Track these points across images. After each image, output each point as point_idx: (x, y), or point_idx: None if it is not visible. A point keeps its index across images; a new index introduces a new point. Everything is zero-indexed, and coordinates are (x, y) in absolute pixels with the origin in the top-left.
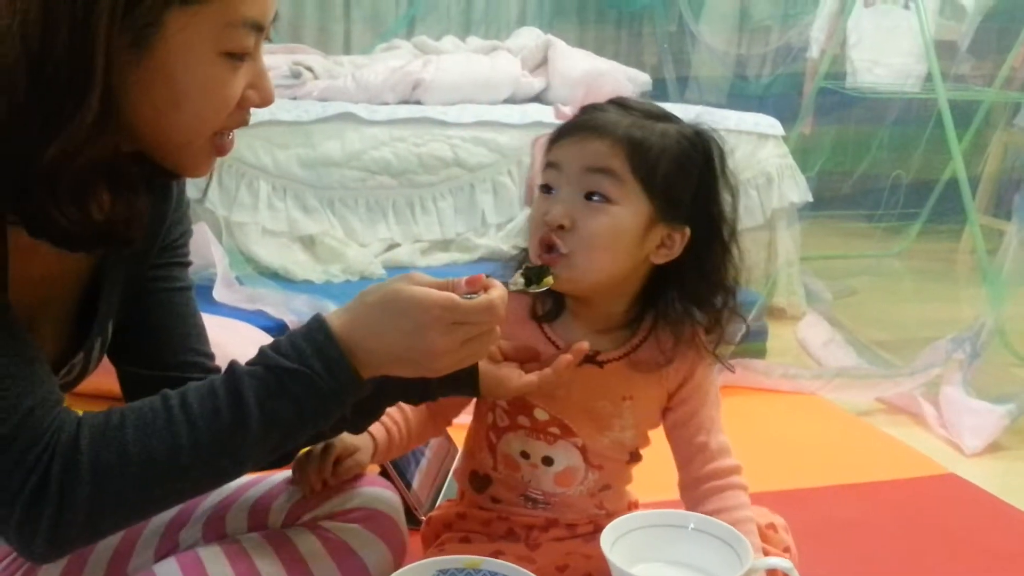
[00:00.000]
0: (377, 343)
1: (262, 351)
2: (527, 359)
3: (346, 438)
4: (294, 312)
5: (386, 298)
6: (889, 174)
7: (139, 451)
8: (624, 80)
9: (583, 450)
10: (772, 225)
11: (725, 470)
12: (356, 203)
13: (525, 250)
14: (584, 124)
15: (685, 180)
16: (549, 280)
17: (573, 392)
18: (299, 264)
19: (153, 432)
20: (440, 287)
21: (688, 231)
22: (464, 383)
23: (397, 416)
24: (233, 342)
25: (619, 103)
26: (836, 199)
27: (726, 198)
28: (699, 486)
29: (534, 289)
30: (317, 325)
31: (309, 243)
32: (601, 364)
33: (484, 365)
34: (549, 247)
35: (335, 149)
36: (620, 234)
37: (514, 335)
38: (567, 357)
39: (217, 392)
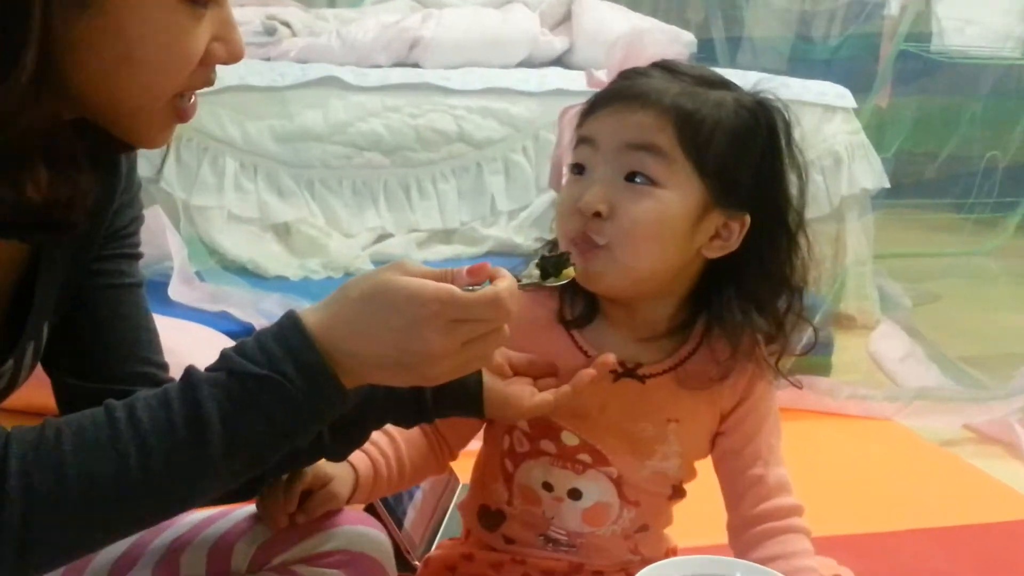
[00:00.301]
0: (362, 345)
1: (225, 354)
2: (542, 374)
3: (319, 466)
4: (265, 314)
5: (373, 291)
6: (982, 155)
7: (79, 473)
8: (668, 41)
9: (618, 482)
10: (840, 216)
11: (784, 510)
12: (340, 185)
13: (552, 243)
14: (624, 92)
15: (745, 158)
16: (570, 272)
17: (609, 412)
18: (272, 257)
19: (96, 450)
20: (437, 278)
21: (748, 219)
22: (466, 401)
23: (386, 445)
24: (192, 349)
25: (665, 67)
26: (917, 185)
27: (792, 180)
28: (752, 528)
29: (552, 283)
30: (290, 323)
31: (284, 232)
32: (643, 379)
33: (490, 381)
34: (582, 239)
35: (316, 120)
36: (668, 222)
37: (538, 343)
38: (589, 372)
39: (171, 403)
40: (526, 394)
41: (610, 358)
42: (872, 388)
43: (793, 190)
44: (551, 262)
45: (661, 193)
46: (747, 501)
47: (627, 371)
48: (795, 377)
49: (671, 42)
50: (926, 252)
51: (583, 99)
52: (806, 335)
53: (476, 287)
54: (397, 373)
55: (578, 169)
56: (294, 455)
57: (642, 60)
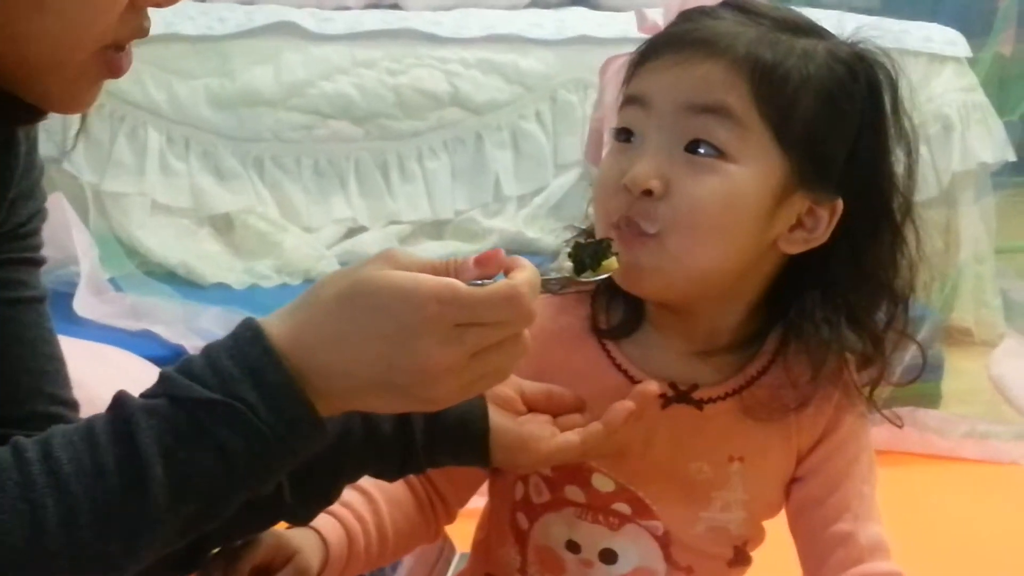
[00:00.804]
0: (341, 360)
1: (165, 376)
2: (565, 410)
3: (279, 534)
4: (201, 334)
5: (353, 291)
6: None
7: None
8: None
9: (664, 541)
10: (951, 199)
11: None
12: (298, 164)
13: (587, 232)
14: (685, 37)
15: (839, 126)
16: (612, 263)
17: (656, 447)
18: (209, 259)
19: (2, 502)
20: (436, 271)
21: (840, 205)
22: (468, 446)
23: (362, 506)
24: (106, 380)
25: (739, 6)
26: None
27: (899, 156)
28: None
29: (587, 277)
30: (249, 335)
31: (225, 227)
32: (700, 404)
33: (500, 419)
34: (627, 224)
35: (265, 79)
36: (738, 206)
37: (564, 360)
38: (626, 405)
39: (98, 440)
40: (545, 435)
41: (652, 387)
42: (995, 423)
43: (899, 168)
44: (587, 251)
45: (731, 168)
46: (831, 565)
47: (680, 395)
48: (894, 410)
49: None
50: None
51: (621, 47)
52: (910, 357)
53: (486, 281)
54: (387, 396)
55: (624, 135)
56: (246, 516)
57: (705, 1)
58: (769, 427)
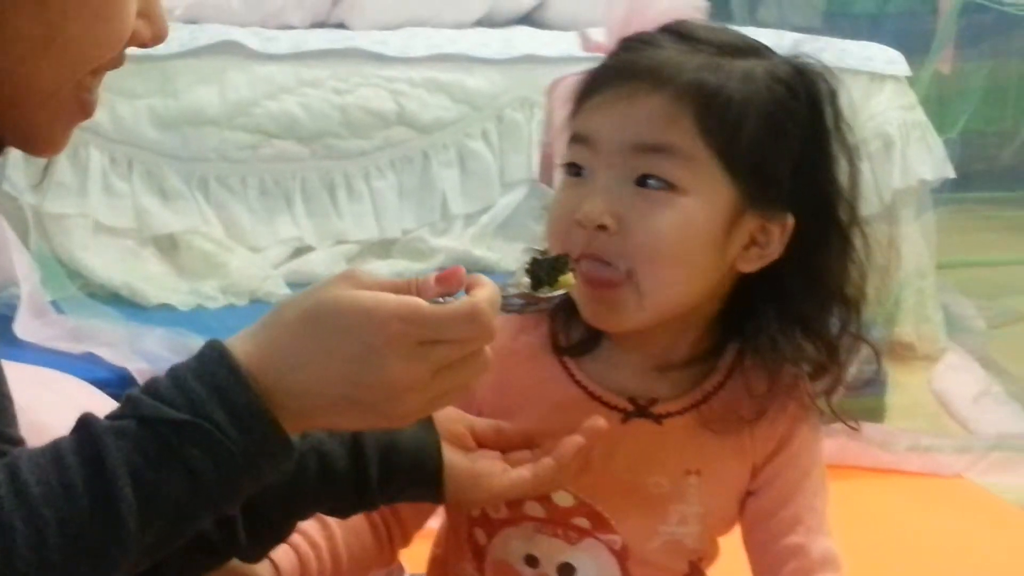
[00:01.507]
0: (306, 380)
1: (132, 398)
2: (515, 446)
3: (232, 568)
4: (144, 355)
5: (316, 311)
6: None
7: None
8: None
9: (622, 555)
10: (892, 215)
11: None
12: (243, 184)
13: (543, 252)
14: (627, 68)
15: (783, 146)
16: (568, 279)
17: (615, 461)
18: (153, 280)
19: None
20: (397, 290)
21: (791, 220)
22: (422, 483)
23: (316, 534)
24: (48, 405)
25: (677, 31)
26: (990, 174)
27: (842, 166)
28: None
29: (546, 293)
30: (214, 356)
31: (169, 247)
32: (659, 419)
33: (453, 456)
34: (590, 260)
35: (210, 99)
36: (694, 236)
37: (523, 379)
38: (576, 440)
39: (66, 461)
40: (497, 471)
41: (600, 422)
42: (937, 436)
43: (843, 177)
44: (544, 267)
45: (682, 200)
46: None
47: (639, 409)
48: (847, 422)
49: None
50: (1003, 259)
51: (567, 66)
52: (864, 363)
53: (448, 299)
54: (352, 414)
55: (573, 169)
56: (199, 556)
57: (648, 21)
58: (725, 441)
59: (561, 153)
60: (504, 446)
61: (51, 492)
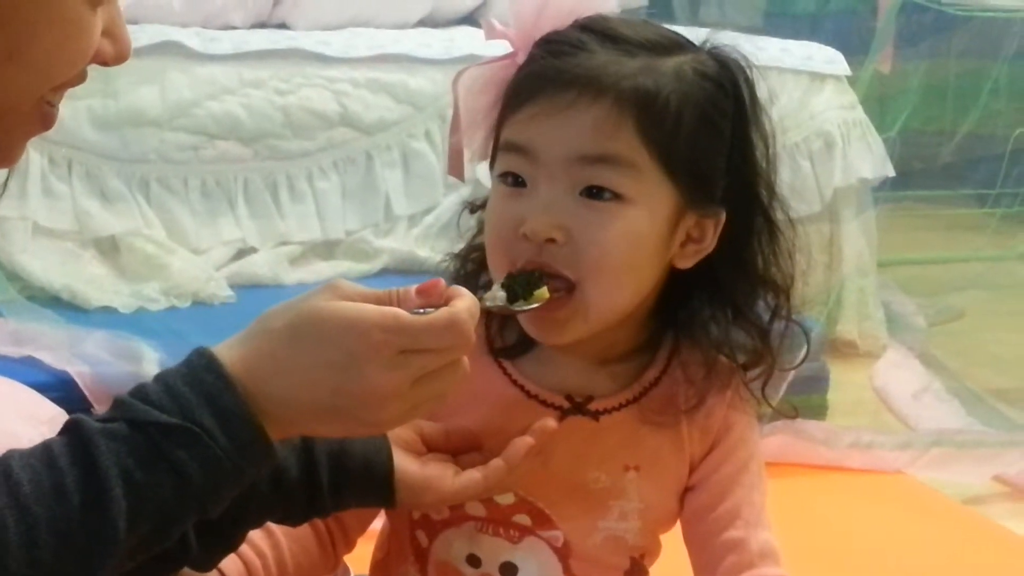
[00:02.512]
0: (292, 388)
1: (122, 401)
2: (463, 448)
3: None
4: (85, 358)
5: (300, 321)
6: (1009, 134)
7: None
8: None
9: (564, 552)
10: (834, 213)
11: None
12: (185, 185)
13: (469, 256)
14: (561, 75)
15: (717, 143)
16: (544, 293)
17: (553, 458)
18: (94, 283)
19: None
20: (379, 301)
21: (724, 214)
22: (373, 488)
23: (261, 541)
24: None
25: (602, 31)
26: (929, 173)
27: (760, 148)
28: None
29: (521, 307)
30: (203, 362)
31: (110, 249)
32: (596, 415)
33: (403, 461)
34: (541, 273)
35: (150, 99)
36: (641, 243)
37: (472, 391)
38: (526, 441)
39: (58, 461)
40: (448, 475)
41: (550, 423)
42: (879, 433)
43: (762, 160)
44: (519, 281)
45: (629, 210)
46: (722, 572)
47: (576, 406)
48: (776, 424)
49: None
50: (943, 257)
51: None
52: (798, 348)
53: (428, 310)
54: (335, 421)
55: (511, 178)
56: (152, 565)
57: (562, 17)
58: (663, 436)
59: (474, 146)
60: (453, 448)
61: (43, 492)
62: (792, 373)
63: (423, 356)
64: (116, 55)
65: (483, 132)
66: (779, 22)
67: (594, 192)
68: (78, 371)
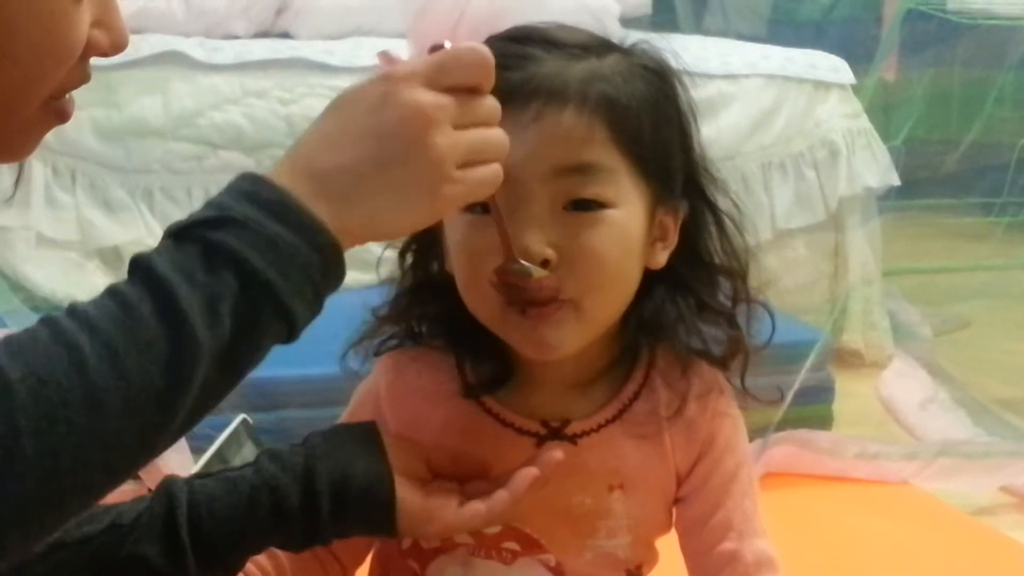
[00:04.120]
0: (333, 156)
1: (164, 231)
2: (471, 475)
3: None
4: None
5: (335, 101)
6: (1014, 143)
7: (26, 380)
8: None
9: (558, 571)
10: (839, 223)
11: None
12: (188, 195)
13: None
14: (520, 88)
15: (671, 134)
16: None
17: (536, 489)
18: (97, 293)
19: (36, 355)
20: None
21: (684, 205)
22: (374, 515)
23: (267, 563)
24: None
25: (537, 37)
26: (935, 182)
27: (696, 134)
28: None
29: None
30: (240, 176)
31: (113, 259)
32: (574, 439)
33: (404, 490)
34: (538, 298)
35: (154, 109)
36: (629, 248)
37: (435, 413)
38: (531, 472)
39: (116, 288)
40: (451, 505)
41: (557, 453)
42: (885, 443)
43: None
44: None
45: (614, 214)
46: None
47: (552, 432)
48: (781, 435)
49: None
50: (948, 267)
51: None
52: (812, 370)
53: None
54: (386, 184)
55: (480, 207)
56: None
57: (479, 35)
58: (646, 450)
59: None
60: (460, 474)
61: (108, 311)
62: (797, 381)
63: (453, 79)
64: (112, 45)
65: None
66: (783, 30)
67: (580, 204)
68: None
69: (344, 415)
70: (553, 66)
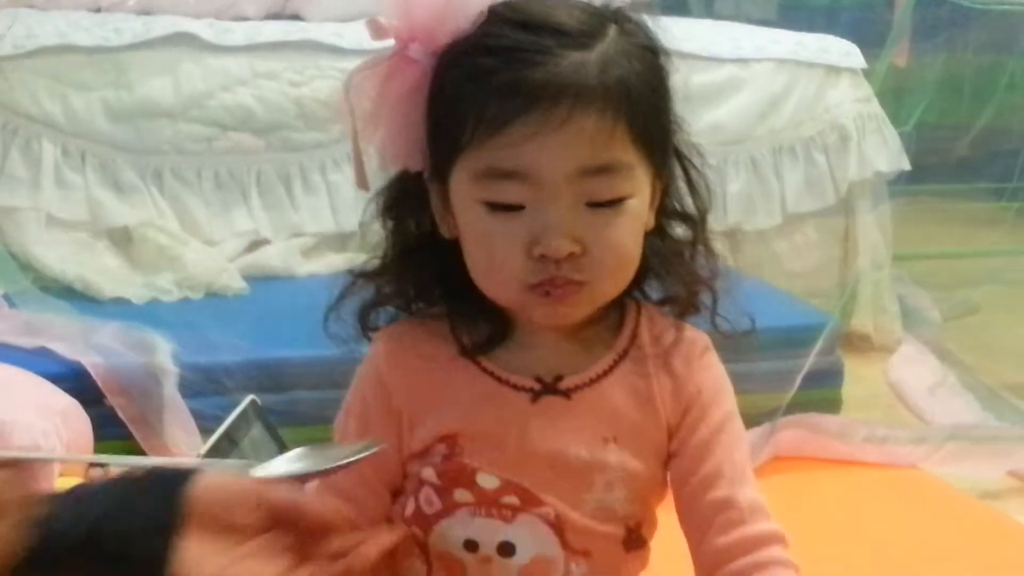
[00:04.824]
0: None
1: None
2: (315, 526)
3: None
4: (99, 349)
5: None
6: None
7: None
8: None
9: (558, 526)
10: (849, 207)
11: (760, 538)
12: (199, 176)
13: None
14: (542, 88)
15: (665, 107)
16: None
17: (530, 439)
18: (107, 274)
19: None
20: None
21: (665, 169)
22: None
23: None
24: (3, 402)
25: (539, 23)
26: (945, 166)
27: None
28: (722, 566)
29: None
30: None
31: (123, 240)
32: (567, 394)
33: (202, 549)
34: (552, 283)
35: (164, 91)
36: (640, 227)
37: (437, 381)
38: (369, 553)
39: None
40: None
41: (371, 552)
42: (893, 427)
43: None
44: None
45: (631, 204)
46: (715, 530)
47: (546, 387)
48: (791, 418)
49: None
50: (958, 252)
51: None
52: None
53: None
54: None
55: (503, 207)
56: None
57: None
58: (637, 403)
59: (387, 152)
60: (304, 524)
61: None
62: (806, 365)
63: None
64: None
65: (396, 135)
66: (794, 15)
67: (603, 202)
68: (91, 362)
69: (349, 395)
70: (571, 60)
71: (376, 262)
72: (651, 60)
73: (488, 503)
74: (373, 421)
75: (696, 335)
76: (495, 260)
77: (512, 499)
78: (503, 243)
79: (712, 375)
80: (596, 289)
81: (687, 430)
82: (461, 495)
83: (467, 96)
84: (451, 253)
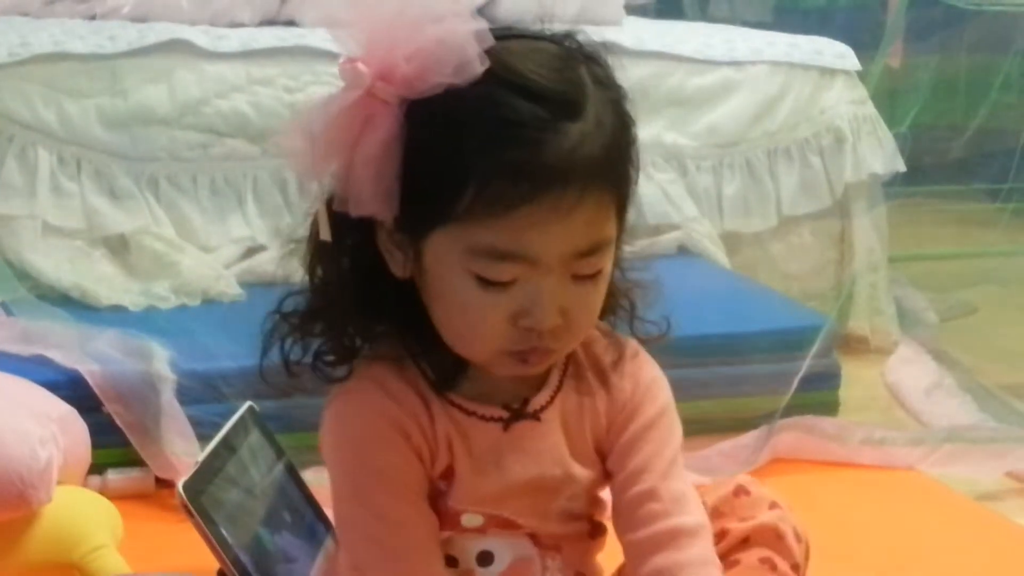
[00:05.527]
0: None
1: None
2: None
3: None
4: (96, 357)
5: None
6: (1020, 129)
7: None
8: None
9: (531, 534)
10: (845, 209)
11: (681, 530)
12: (194, 183)
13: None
14: (555, 172)
15: (634, 155)
16: None
17: (508, 468)
18: (104, 281)
19: None
20: None
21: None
22: None
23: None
24: (0, 410)
25: (534, 91)
26: (940, 168)
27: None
28: (645, 557)
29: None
30: None
31: (119, 248)
32: (536, 415)
33: None
34: (532, 351)
35: (159, 98)
36: (608, 281)
37: (406, 413)
38: None
39: None
40: None
41: None
42: (890, 429)
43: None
44: None
45: (606, 271)
46: (638, 521)
47: (516, 413)
48: (789, 420)
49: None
50: (954, 253)
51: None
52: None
53: None
54: None
55: (493, 283)
56: None
57: (418, 35)
58: (583, 414)
59: (340, 195)
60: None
61: None
62: (803, 367)
63: None
64: None
65: (367, 182)
66: (788, 17)
67: (588, 275)
68: (88, 369)
69: (340, 479)
70: (572, 139)
71: (298, 300)
72: (622, 109)
73: (468, 532)
74: (404, 474)
75: (624, 340)
76: (476, 327)
77: (494, 531)
78: (489, 313)
79: (644, 374)
80: (565, 350)
81: (619, 428)
82: (444, 534)
83: (466, 167)
84: (398, 290)
